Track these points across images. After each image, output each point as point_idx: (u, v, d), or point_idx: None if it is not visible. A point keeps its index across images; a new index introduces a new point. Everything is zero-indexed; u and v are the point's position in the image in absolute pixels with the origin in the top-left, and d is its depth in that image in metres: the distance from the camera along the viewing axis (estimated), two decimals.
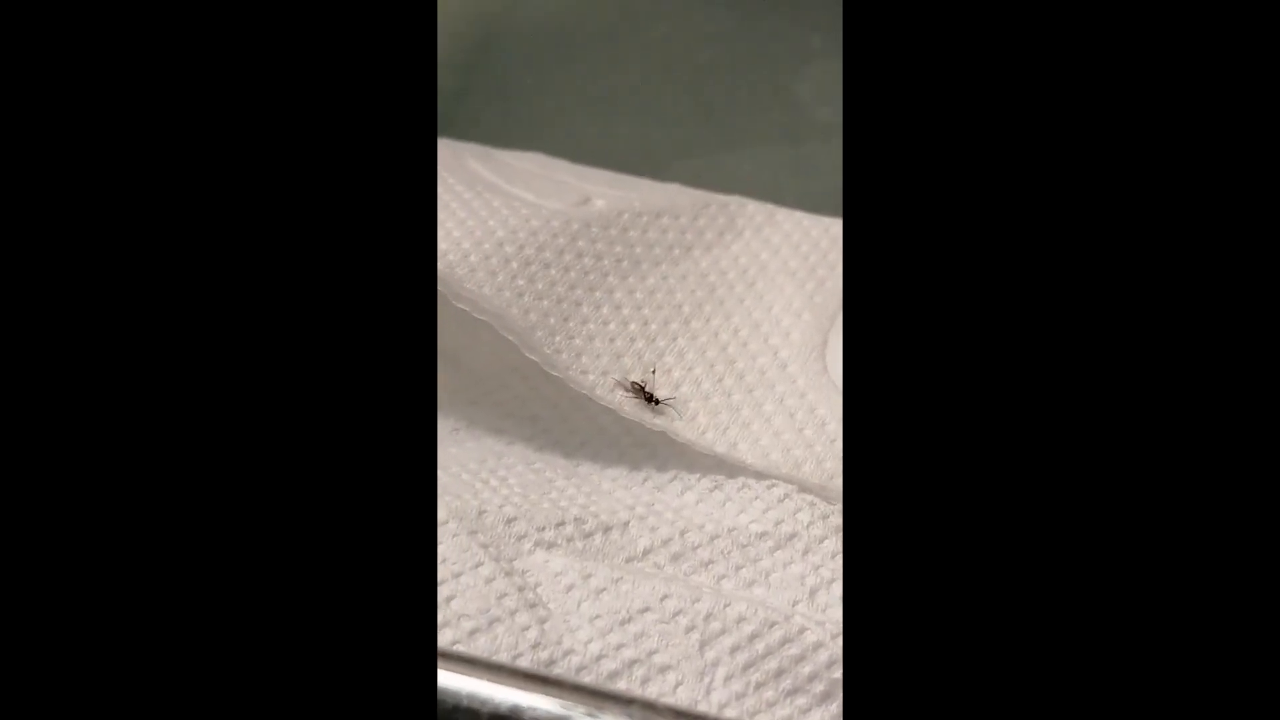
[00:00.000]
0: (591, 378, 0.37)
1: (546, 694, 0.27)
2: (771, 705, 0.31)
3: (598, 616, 0.32)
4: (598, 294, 0.40)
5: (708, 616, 0.32)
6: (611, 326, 0.39)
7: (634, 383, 0.37)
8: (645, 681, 0.31)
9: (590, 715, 0.26)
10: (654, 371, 0.38)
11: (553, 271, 0.39)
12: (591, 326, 0.39)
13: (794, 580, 0.34)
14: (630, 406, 0.37)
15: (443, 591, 0.32)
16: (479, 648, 0.31)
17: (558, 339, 0.38)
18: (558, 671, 0.31)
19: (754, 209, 0.44)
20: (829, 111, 0.50)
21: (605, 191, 0.44)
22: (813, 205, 0.45)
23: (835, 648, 0.31)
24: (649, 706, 0.27)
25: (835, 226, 0.44)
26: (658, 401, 0.37)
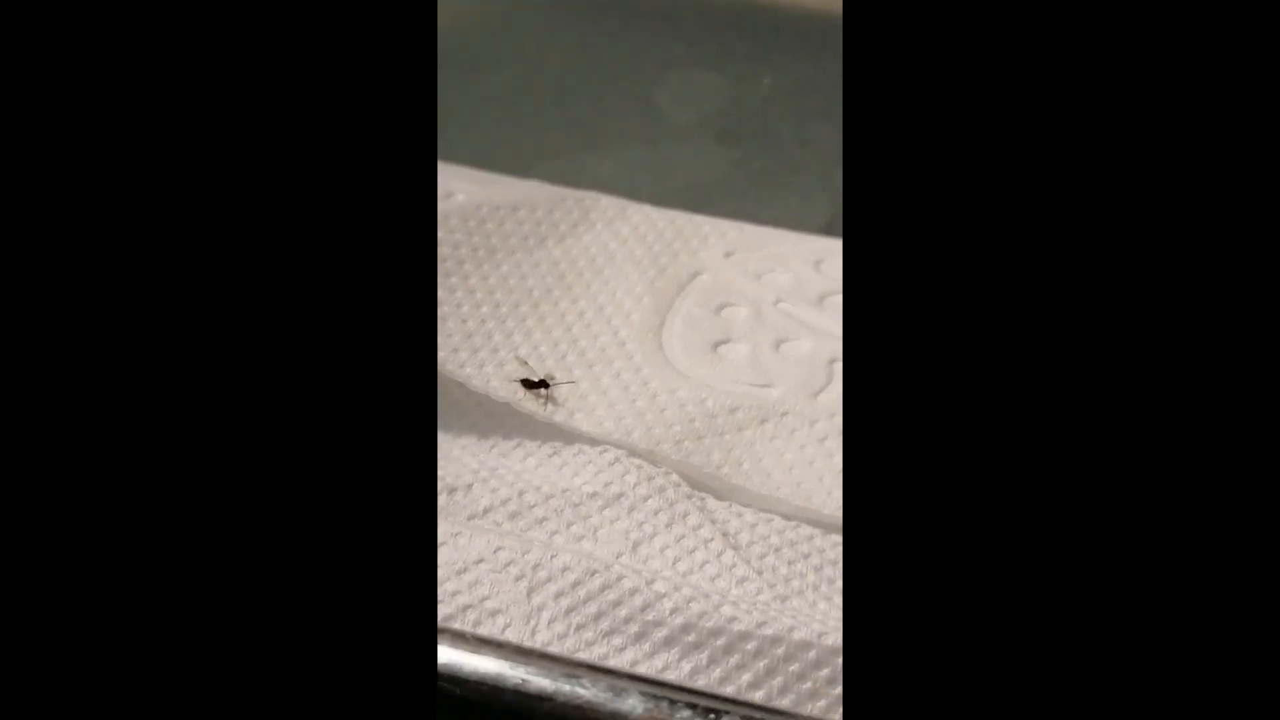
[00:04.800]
0: (443, 354, 0.40)
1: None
2: (590, 644, 0.34)
3: (437, 566, 0.35)
4: (453, 279, 0.43)
5: (535, 566, 0.35)
6: (464, 309, 0.42)
7: (524, 380, 0.40)
8: (476, 624, 0.34)
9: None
10: (526, 363, 0.41)
11: None
12: (445, 308, 0.42)
13: (619, 535, 0.37)
14: (529, 402, 0.40)
15: None
16: None
17: None
18: None
19: (607, 203, 0.47)
20: (687, 115, 0.53)
21: (467, 188, 0.47)
22: (665, 200, 0.48)
23: (649, 593, 0.34)
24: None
25: (681, 219, 0.47)
26: (548, 387, 0.40)
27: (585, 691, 0.29)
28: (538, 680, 0.30)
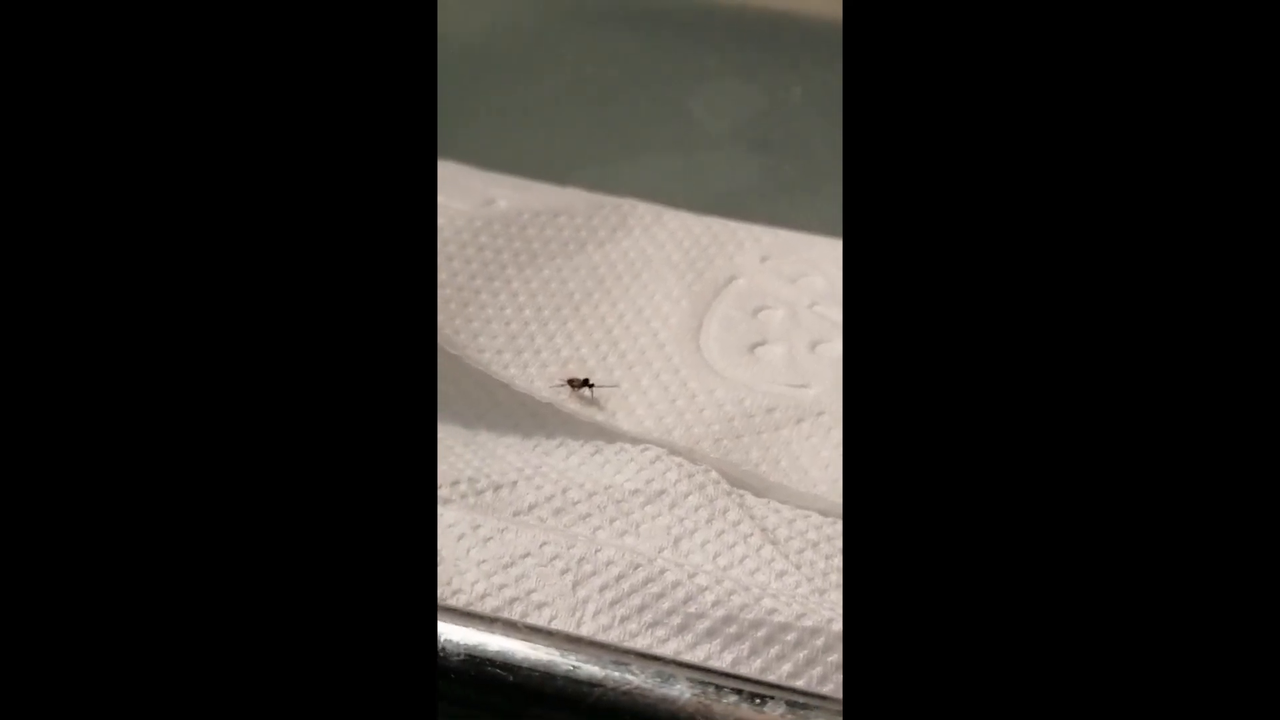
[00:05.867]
0: (487, 356, 0.42)
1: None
2: (634, 636, 0.35)
3: (484, 561, 0.36)
4: (495, 283, 0.44)
5: (580, 560, 0.36)
6: (508, 311, 0.43)
7: (569, 380, 0.41)
8: (524, 616, 0.35)
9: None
10: (570, 367, 0.42)
11: (455, 263, 0.44)
12: (489, 311, 0.43)
13: (660, 530, 0.38)
14: (571, 402, 0.41)
15: None
16: None
17: (456, 321, 0.42)
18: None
19: (644, 209, 0.49)
20: (720, 124, 0.55)
21: (508, 194, 0.48)
22: (699, 208, 0.49)
23: (691, 586, 0.35)
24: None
25: (716, 225, 0.48)
26: (592, 386, 0.41)
27: (634, 678, 0.30)
28: (588, 667, 0.31)
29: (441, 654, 0.31)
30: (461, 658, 0.31)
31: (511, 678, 0.31)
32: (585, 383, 0.41)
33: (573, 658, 0.31)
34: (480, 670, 0.31)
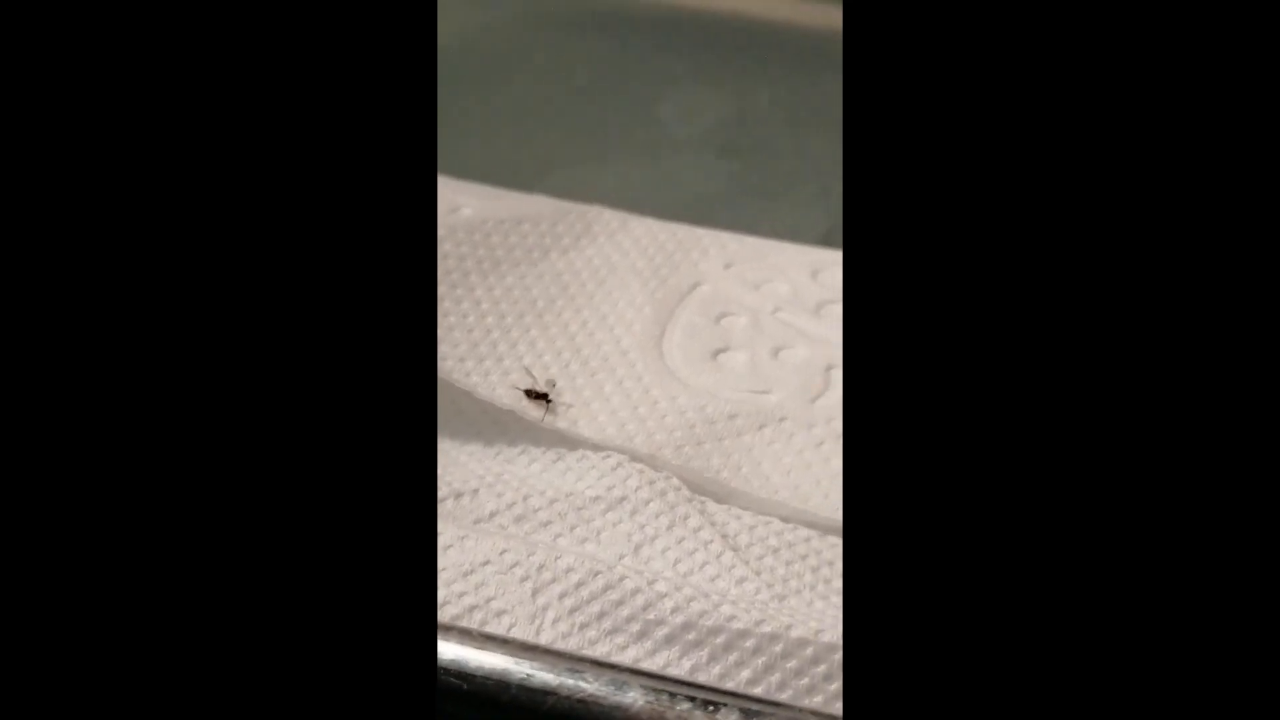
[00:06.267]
0: (449, 363, 0.42)
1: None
2: (593, 643, 0.35)
3: (444, 569, 0.36)
4: (459, 290, 0.44)
5: (540, 567, 0.36)
6: (470, 319, 0.43)
7: (528, 390, 0.41)
8: (483, 624, 0.35)
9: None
10: (530, 373, 0.42)
11: None
12: (451, 319, 0.43)
13: (621, 537, 0.38)
14: (533, 409, 0.41)
15: None
16: None
17: None
18: None
19: (610, 216, 0.49)
20: (688, 130, 0.55)
21: (474, 202, 0.48)
22: (666, 214, 0.49)
23: (651, 593, 0.35)
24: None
25: (682, 231, 0.48)
26: (550, 401, 0.41)
27: (588, 685, 0.30)
28: (542, 675, 0.31)
29: None
30: None
31: (465, 686, 0.31)
32: (544, 396, 0.41)
33: (527, 665, 0.31)
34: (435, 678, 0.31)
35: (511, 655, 0.31)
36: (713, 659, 0.34)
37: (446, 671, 0.31)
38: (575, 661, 0.31)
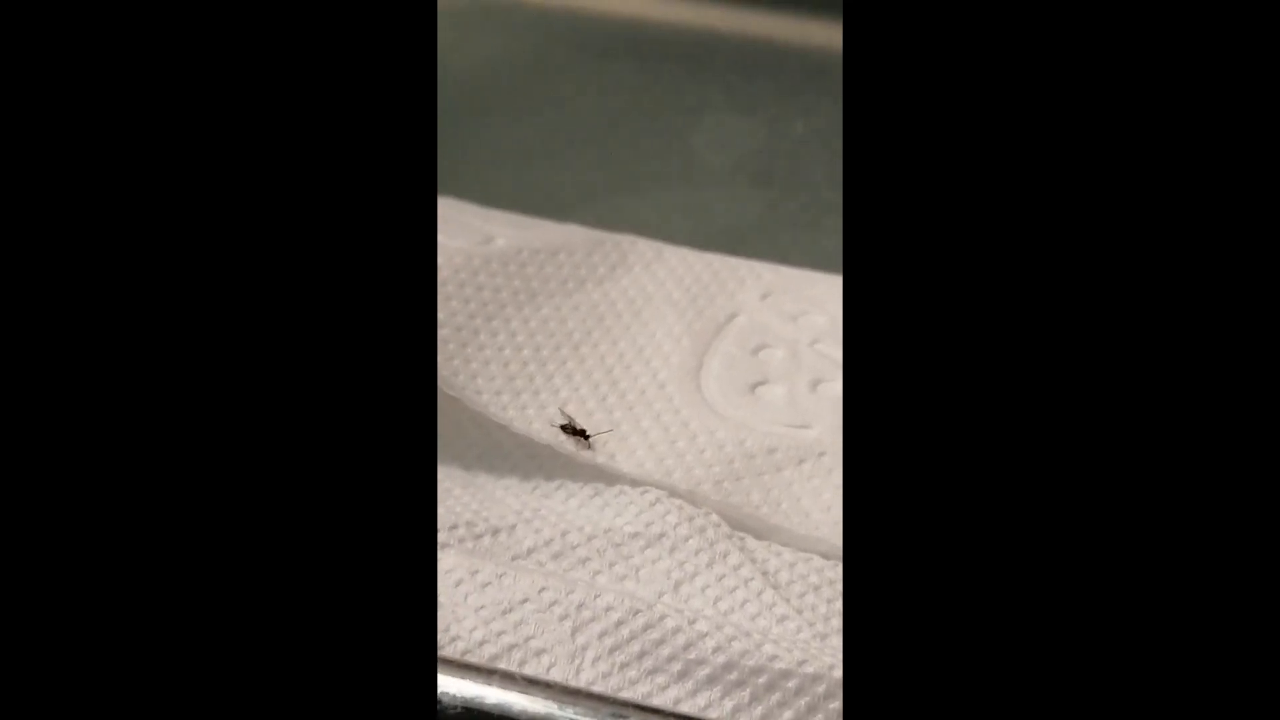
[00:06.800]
0: (485, 397, 0.41)
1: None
2: (634, 683, 0.34)
3: (482, 607, 0.36)
4: (494, 322, 0.44)
5: (580, 606, 0.36)
6: (506, 352, 0.43)
7: (565, 425, 0.41)
8: (522, 664, 0.35)
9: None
10: (565, 409, 0.42)
11: (453, 303, 0.43)
12: (488, 352, 0.43)
13: (660, 574, 0.37)
14: (569, 444, 0.41)
15: None
16: None
17: (455, 362, 0.42)
18: (444, 655, 0.35)
19: (644, 246, 0.48)
20: (720, 158, 0.54)
21: (507, 232, 0.48)
22: (701, 243, 0.49)
23: (691, 632, 0.35)
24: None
25: (717, 261, 0.48)
26: (588, 436, 0.41)
27: None
28: None
29: (440, 705, 0.31)
30: (459, 710, 0.31)
31: None
32: (582, 432, 0.40)
33: (570, 710, 0.30)
34: None
35: (555, 700, 0.31)
36: (755, 699, 0.34)
37: (490, 716, 0.30)
38: (619, 706, 0.31)
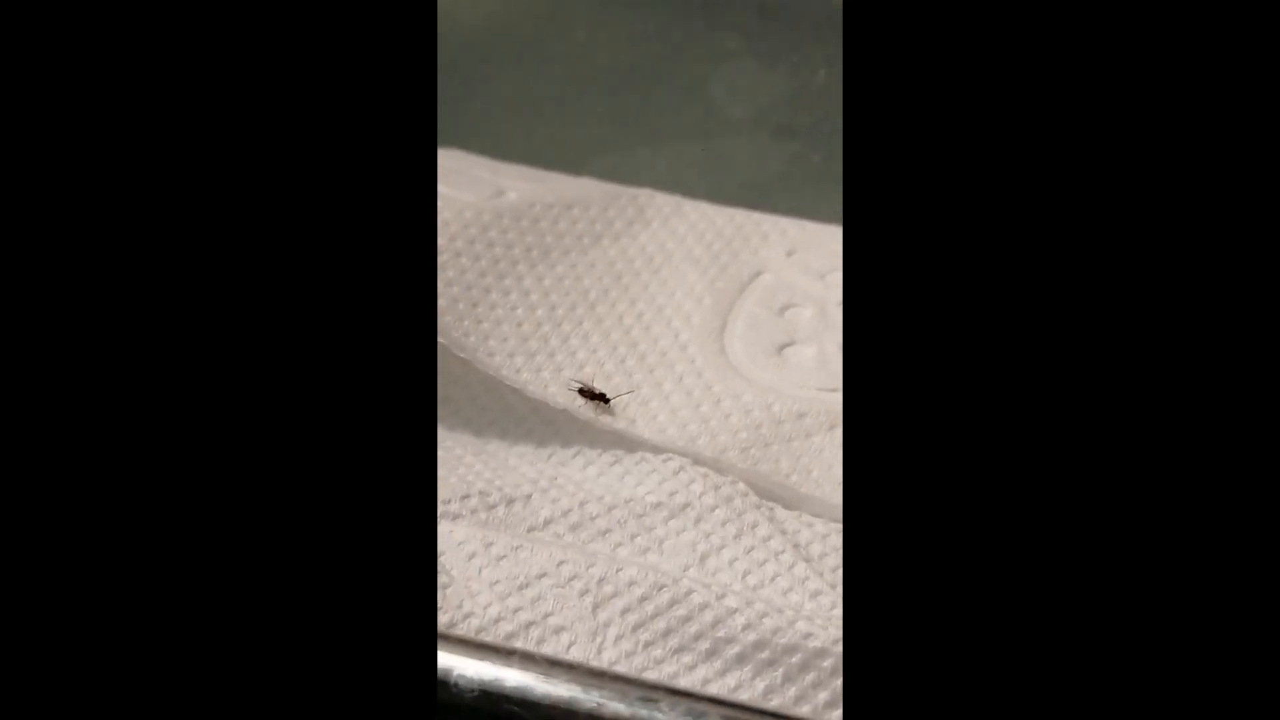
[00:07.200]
0: (498, 359, 0.39)
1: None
2: (659, 663, 0.33)
3: (497, 582, 0.34)
4: (506, 281, 0.41)
5: (601, 581, 0.34)
6: (519, 312, 0.41)
7: (583, 388, 0.39)
8: (540, 642, 0.33)
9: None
10: (586, 374, 0.40)
11: (463, 260, 0.41)
12: (500, 312, 0.41)
13: (685, 547, 0.35)
14: (587, 409, 0.39)
15: None
16: None
17: (466, 323, 0.40)
18: (458, 633, 0.33)
19: (662, 200, 0.46)
20: (741, 109, 0.52)
21: (519, 185, 0.46)
22: (722, 198, 0.47)
23: (720, 608, 0.33)
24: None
25: (740, 216, 0.46)
26: (608, 399, 0.39)
27: (663, 716, 0.28)
28: (613, 704, 0.28)
29: (454, 688, 0.29)
30: (475, 693, 0.29)
31: (530, 716, 0.28)
32: (601, 396, 0.38)
33: (596, 695, 0.28)
34: (496, 707, 0.29)
35: (579, 683, 0.29)
36: (788, 680, 0.32)
37: (509, 700, 0.28)
38: (648, 690, 0.29)
